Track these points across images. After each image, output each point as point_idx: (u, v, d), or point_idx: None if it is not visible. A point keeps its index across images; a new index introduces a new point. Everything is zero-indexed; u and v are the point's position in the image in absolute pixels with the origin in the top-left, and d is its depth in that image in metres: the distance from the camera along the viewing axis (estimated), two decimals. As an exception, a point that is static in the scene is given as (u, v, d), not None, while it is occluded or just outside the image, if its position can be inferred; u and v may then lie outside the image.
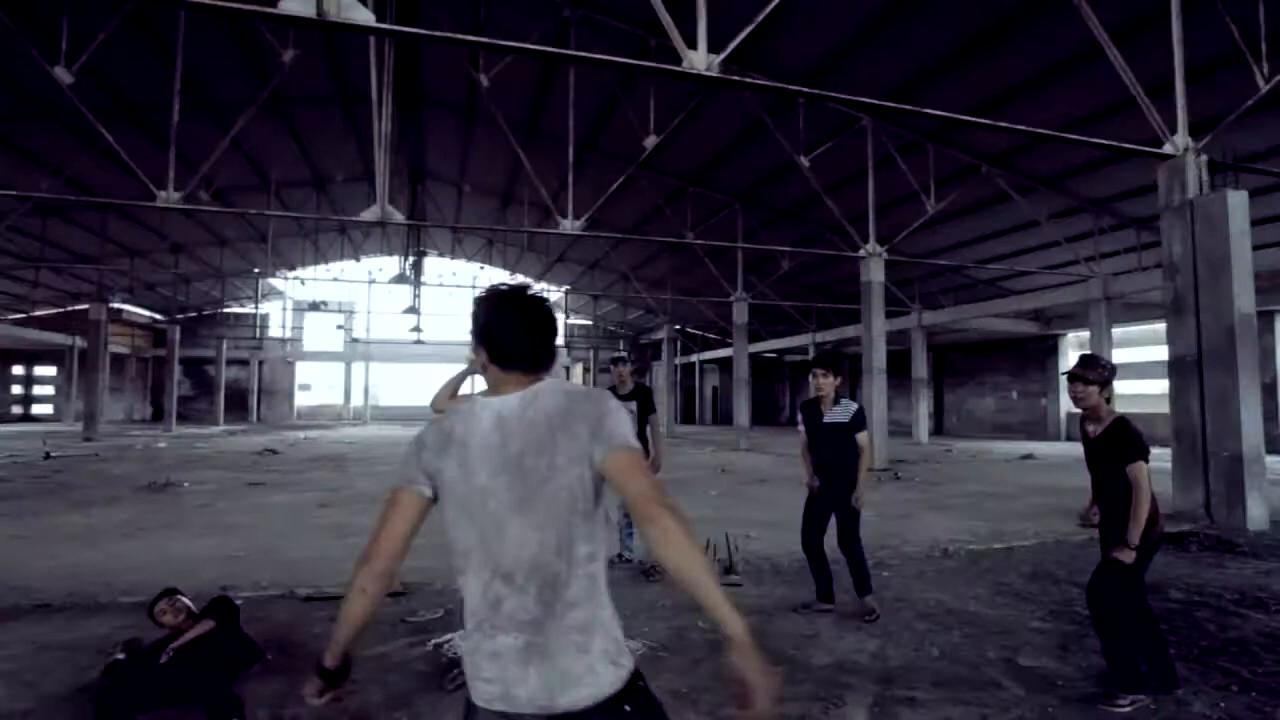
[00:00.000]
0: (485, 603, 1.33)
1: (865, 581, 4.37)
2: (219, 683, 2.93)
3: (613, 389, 5.90)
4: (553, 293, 32.67)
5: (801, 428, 4.58)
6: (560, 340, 37.74)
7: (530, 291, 1.49)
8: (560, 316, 35.61)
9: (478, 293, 1.51)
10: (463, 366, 3.26)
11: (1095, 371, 3.14)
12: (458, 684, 3.22)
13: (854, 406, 4.40)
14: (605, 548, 1.39)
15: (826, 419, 4.38)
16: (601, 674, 1.30)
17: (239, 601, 4.52)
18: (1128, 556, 2.99)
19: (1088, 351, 3.59)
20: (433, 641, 3.85)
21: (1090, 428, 3.25)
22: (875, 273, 13.79)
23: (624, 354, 6.07)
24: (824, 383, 4.34)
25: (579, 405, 1.37)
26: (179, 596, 3.33)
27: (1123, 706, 2.99)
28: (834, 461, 4.37)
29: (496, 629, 1.31)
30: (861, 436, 4.34)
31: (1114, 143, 8.07)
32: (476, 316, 1.47)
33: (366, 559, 1.39)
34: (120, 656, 3.17)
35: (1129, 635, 3.09)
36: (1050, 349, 23.75)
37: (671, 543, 1.22)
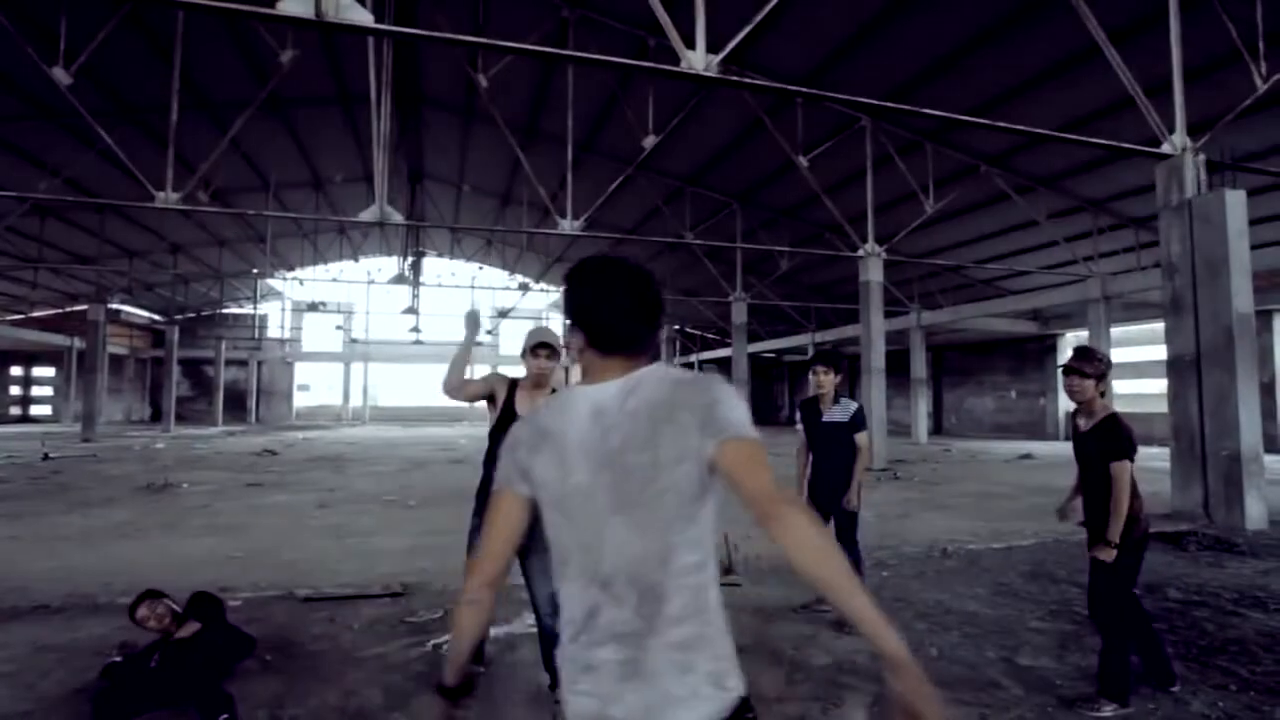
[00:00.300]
0: (582, 612, 1.22)
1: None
2: (209, 681, 2.93)
3: None
4: (551, 293, 32.67)
5: (800, 427, 4.52)
6: (560, 339, 38.01)
7: (630, 263, 1.33)
8: (559, 317, 35.76)
9: (570, 266, 1.35)
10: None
11: (1092, 365, 3.11)
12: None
13: (854, 406, 4.35)
14: (714, 557, 1.24)
15: (825, 418, 4.34)
16: (706, 698, 1.16)
17: (237, 602, 4.53)
18: (1106, 555, 2.97)
19: (1085, 345, 3.55)
20: (431, 642, 3.85)
21: (1081, 421, 3.22)
22: (874, 273, 13.80)
23: None
24: (824, 380, 4.30)
25: (685, 393, 1.21)
26: (160, 600, 3.30)
27: (1104, 713, 2.97)
28: (831, 461, 4.31)
29: (594, 641, 1.20)
30: (860, 437, 4.29)
31: (1112, 142, 8.08)
32: (570, 294, 1.32)
33: (474, 568, 1.31)
34: (117, 659, 3.17)
35: (1126, 642, 3.07)
36: (1049, 349, 23.78)
37: (802, 543, 1.07)
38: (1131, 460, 3.00)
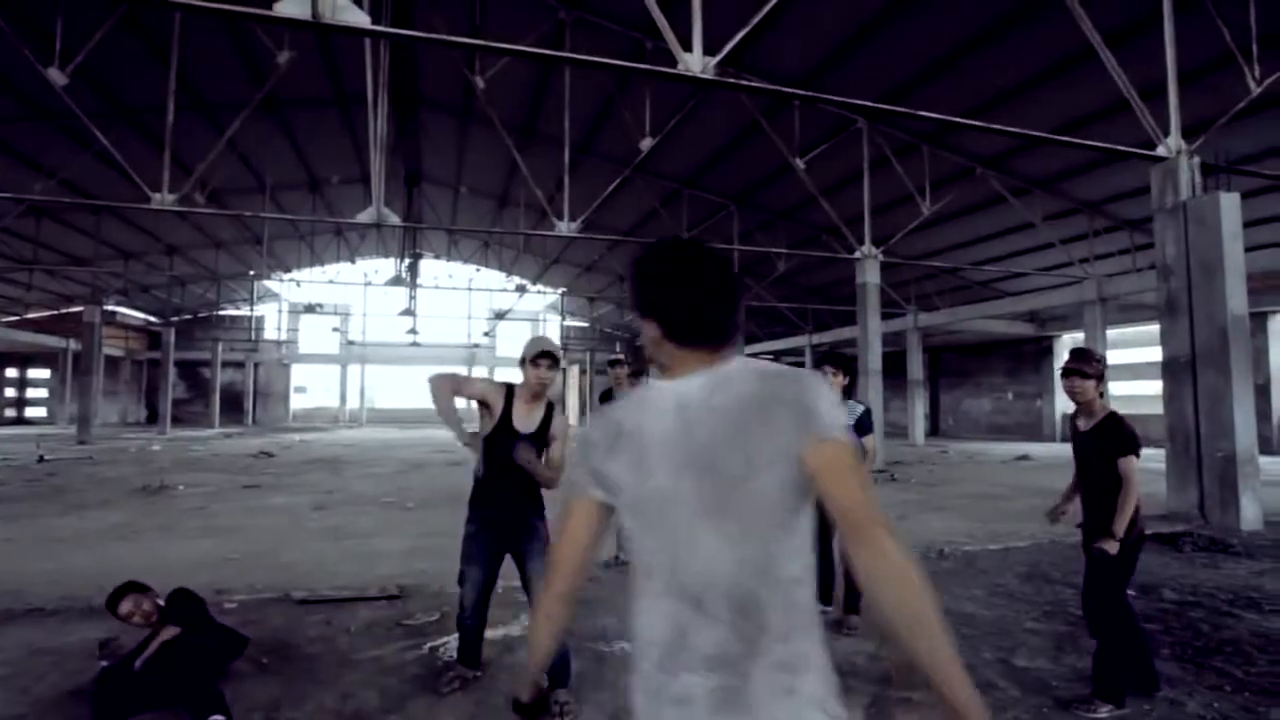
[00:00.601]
0: (668, 633, 1.09)
1: (856, 597, 4.07)
2: (200, 682, 2.92)
3: (609, 392, 5.86)
4: (548, 295, 32.68)
5: None
6: (556, 343, 37.94)
7: (706, 245, 1.22)
8: (556, 319, 35.80)
9: (640, 252, 1.23)
10: (458, 370, 3.17)
11: (1091, 365, 3.13)
12: (452, 688, 3.22)
13: (860, 409, 4.31)
14: (812, 566, 1.12)
15: None
16: None
17: (233, 605, 4.52)
18: (1112, 547, 2.98)
19: (1083, 346, 3.55)
20: (428, 645, 3.85)
21: (1081, 422, 3.24)
22: (871, 274, 13.83)
23: (621, 356, 5.99)
24: (834, 381, 4.25)
25: (780, 388, 1.10)
26: (145, 595, 3.25)
27: (1100, 714, 2.97)
28: None
29: (682, 666, 1.07)
30: (867, 440, 4.23)
31: (1107, 145, 8.12)
32: (641, 280, 1.20)
33: (549, 581, 1.24)
34: (104, 663, 3.16)
35: (1123, 645, 3.07)
36: (1045, 350, 23.84)
37: (893, 576, 0.97)
38: (1138, 456, 3.04)
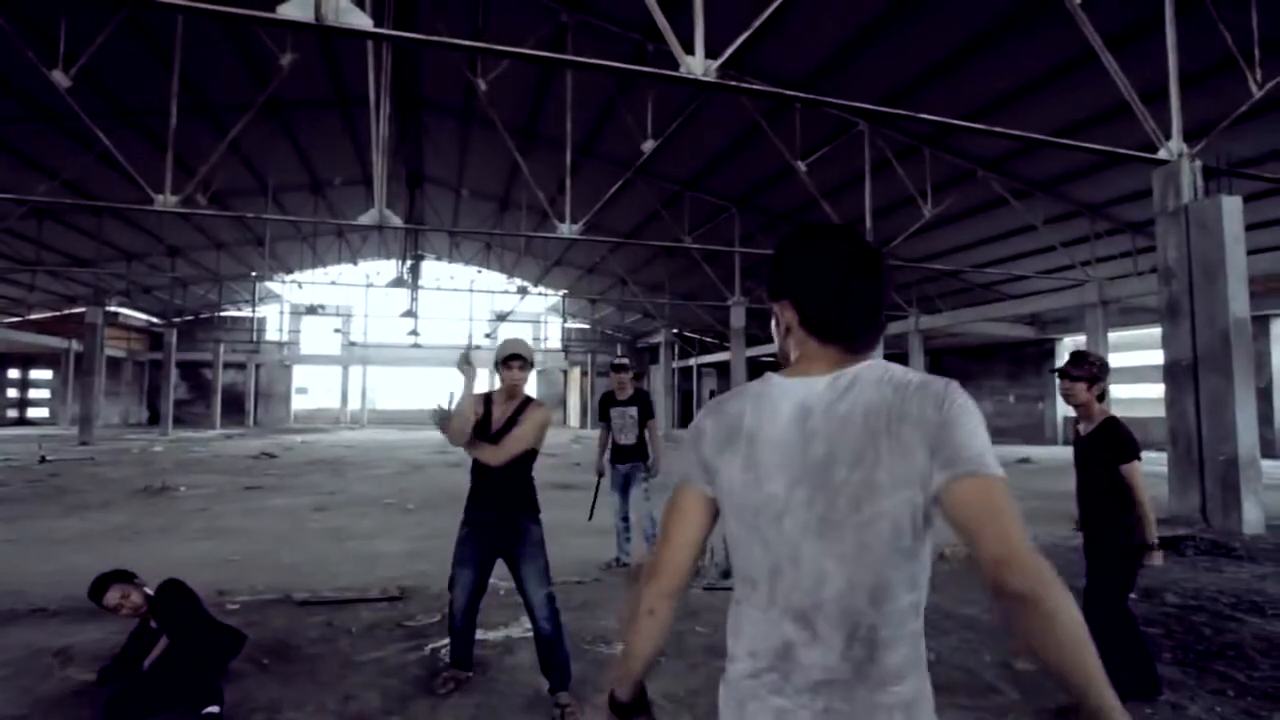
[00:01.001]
0: (771, 647, 1.03)
1: None
2: (201, 680, 2.93)
3: (611, 394, 5.88)
4: (550, 297, 32.70)
5: None
6: (558, 344, 37.60)
7: (863, 237, 1.11)
8: (557, 321, 35.81)
9: (795, 230, 1.14)
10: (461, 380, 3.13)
11: (1082, 368, 3.12)
12: (447, 689, 3.23)
13: None
14: (924, 598, 1.05)
15: None
16: None
17: (234, 606, 4.52)
18: (1158, 559, 3.01)
19: (1081, 349, 3.54)
20: (429, 646, 3.85)
21: (1081, 426, 3.25)
22: (872, 277, 13.80)
23: (624, 360, 6.00)
24: None
25: (913, 403, 0.98)
26: (130, 584, 3.19)
27: None
28: None
29: (786, 685, 1.01)
30: None
31: (1109, 148, 8.11)
32: (786, 260, 1.11)
33: (651, 575, 1.15)
34: (69, 671, 3.14)
35: (1125, 648, 3.05)
36: (1047, 353, 23.82)
37: (1066, 641, 0.87)
38: (1139, 460, 3.03)
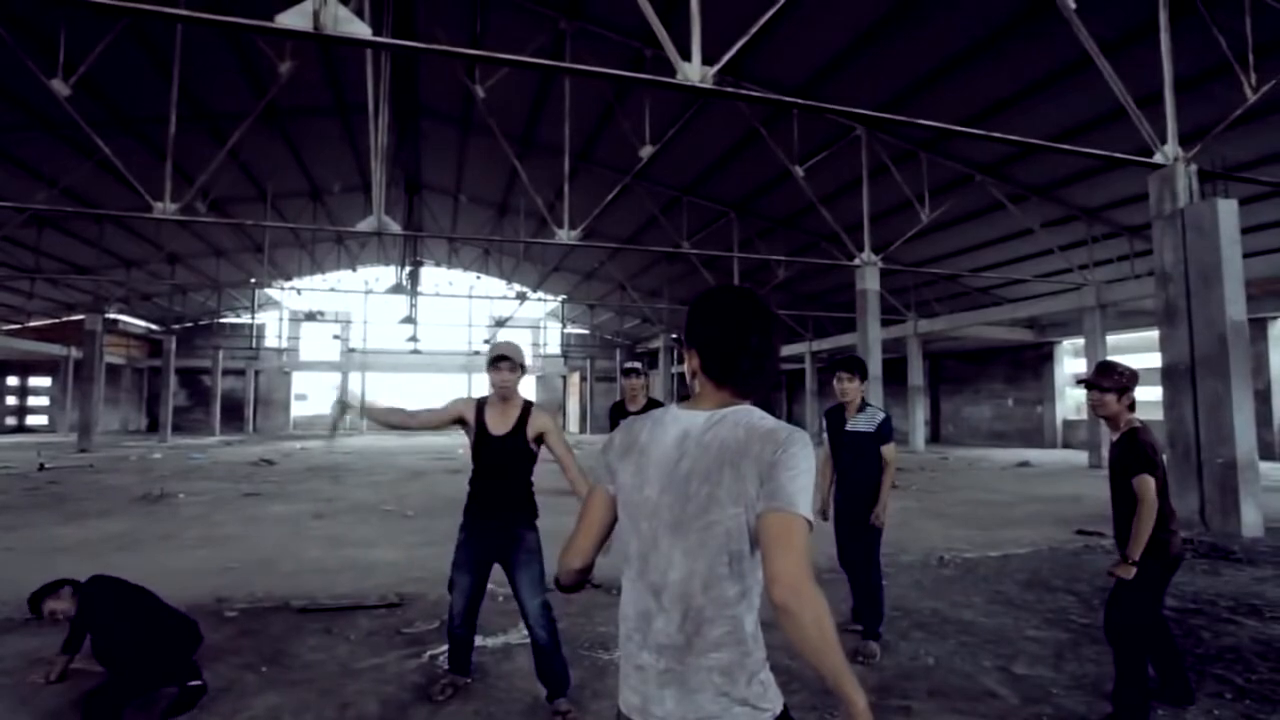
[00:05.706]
0: (636, 613, 1.32)
1: (875, 620, 3.90)
2: (150, 666, 3.05)
3: (621, 404, 5.16)
4: (549, 302, 32.72)
5: (825, 437, 4.22)
6: (557, 350, 37.45)
7: (763, 300, 1.37)
8: (556, 326, 35.81)
9: (706, 290, 1.41)
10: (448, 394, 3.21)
11: (1110, 379, 3.01)
12: (445, 695, 3.23)
13: (880, 416, 4.08)
14: (758, 591, 1.26)
15: (849, 427, 4.07)
16: (738, 716, 1.22)
17: (232, 613, 4.52)
18: (1126, 573, 2.88)
19: (1108, 359, 3.48)
20: (428, 653, 3.85)
21: (1112, 437, 3.14)
22: (870, 281, 13.85)
23: (637, 364, 5.14)
24: (848, 387, 4.08)
25: (756, 444, 1.23)
26: (54, 598, 3.33)
27: None
28: (855, 475, 4.04)
29: (643, 645, 1.29)
30: (887, 449, 4.02)
31: (1105, 152, 8.14)
32: (696, 316, 1.38)
33: (564, 554, 1.42)
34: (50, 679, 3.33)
35: (1144, 669, 2.94)
36: (1045, 356, 23.82)
37: (804, 641, 1.13)
38: (1153, 474, 2.87)
